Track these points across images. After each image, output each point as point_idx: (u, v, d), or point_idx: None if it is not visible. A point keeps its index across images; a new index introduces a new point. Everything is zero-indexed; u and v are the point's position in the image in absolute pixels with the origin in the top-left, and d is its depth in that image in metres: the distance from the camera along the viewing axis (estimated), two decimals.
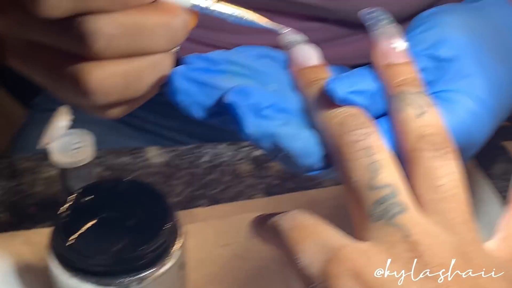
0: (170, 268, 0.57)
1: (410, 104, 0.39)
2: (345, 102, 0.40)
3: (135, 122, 0.97)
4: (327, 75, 0.43)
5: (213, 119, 0.42)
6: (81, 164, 0.65)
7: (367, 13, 0.44)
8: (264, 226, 0.43)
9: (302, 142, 0.40)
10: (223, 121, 0.42)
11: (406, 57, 0.41)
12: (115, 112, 0.45)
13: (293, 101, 0.42)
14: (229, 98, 0.40)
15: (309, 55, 0.44)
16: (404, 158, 0.39)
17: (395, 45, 0.42)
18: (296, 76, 0.44)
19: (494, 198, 0.73)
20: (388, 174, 0.37)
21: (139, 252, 0.55)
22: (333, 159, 0.40)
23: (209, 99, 0.41)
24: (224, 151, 0.79)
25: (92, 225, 0.57)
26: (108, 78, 0.41)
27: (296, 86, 0.44)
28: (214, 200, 0.74)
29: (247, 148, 0.79)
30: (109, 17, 0.40)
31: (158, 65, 0.43)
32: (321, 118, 0.40)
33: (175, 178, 0.76)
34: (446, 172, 0.37)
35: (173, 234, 0.58)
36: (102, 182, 0.61)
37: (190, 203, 0.73)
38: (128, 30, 0.40)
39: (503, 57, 0.46)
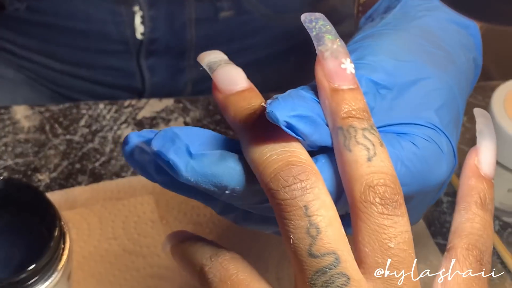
0: (57, 283, 0.50)
1: (358, 144, 0.35)
2: (288, 128, 0.35)
3: None
4: (260, 100, 0.37)
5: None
6: None
7: (308, 20, 0.38)
8: (185, 255, 0.39)
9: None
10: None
11: (355, 82, 0.37)
12: None
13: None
14: (155, 144, 0.35)
15: (235, 77, 0.38)
16: (350, 203, 0.35)
17: (344, 67, 0.37)
18: (223, 105, 0.38)
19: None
20: (330, 238, 0.34)
21: (24, 273, 0.47)
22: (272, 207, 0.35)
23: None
24: (104, 112, 0.70)
25: None
26: None
27: (225, 118, 0.38)
28: (96, 176, 0.65)
29: (130, 109, 0.70)
30: None
31: None
32: (253, 159, 0.35)
33: (49, 147, 0.66)
34: (395, 233, 0.34)
35: (60, 245, 0.51)
36: None
37: (67, 180, 0.64)
38: None
39: (443, 60, 0.42)
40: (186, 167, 0.35)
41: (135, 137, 0.37)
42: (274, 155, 0.35)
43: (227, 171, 0.35)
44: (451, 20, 0.45)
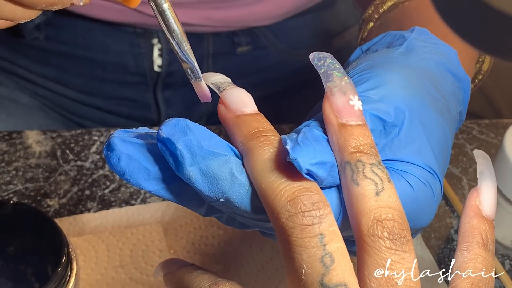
0: None
1: (366, 178, 0.35)
2: (308, 176, 0.34)
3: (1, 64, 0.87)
4: (270, 126, 0.37)
5: (172, 184, 0.36)
6: None
7: (317, 59, 0.39)
8: (181, 284, 0.38)
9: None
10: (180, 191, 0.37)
11: (363, 119, 0.37)
12: None
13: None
14: (165, 131, 0.35)
15: (246, 100, 0.38)
16: (356, 236, 0.35)
17: (352, 103, 0.37)
18: (232, 123, 0.38)
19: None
20: (342, 270, 0.33)
21: None
22: (277, 235, 0.35)
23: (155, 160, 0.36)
24: None
25: None
26: None
27: (231, 135, 0.38)
28: (105, 203, 0.65)
29: None
30: None
31: None
32: (266, 184, 0.35)
33: (60, 173, 0.66)
34: (402, 270, 0.34)
35: (67, 271, 0.50)
36: None
37: (76, 206, 0.64)
38: None
39: (442, 106, 0.43)
40: (192, 161, 0.34)
41: (120, 144, 0.36)
42: (291, 183, 0.34)
43: (229, 178, 0.35)
44: (449, 70, 0.46)
